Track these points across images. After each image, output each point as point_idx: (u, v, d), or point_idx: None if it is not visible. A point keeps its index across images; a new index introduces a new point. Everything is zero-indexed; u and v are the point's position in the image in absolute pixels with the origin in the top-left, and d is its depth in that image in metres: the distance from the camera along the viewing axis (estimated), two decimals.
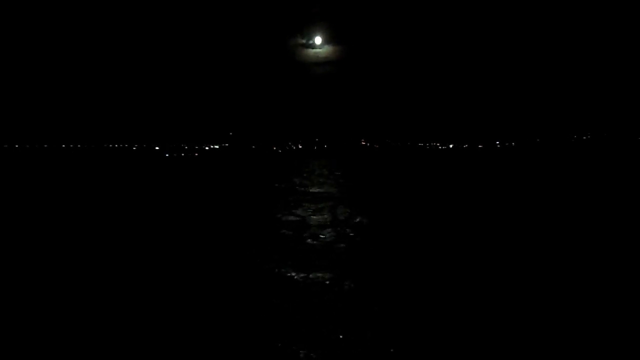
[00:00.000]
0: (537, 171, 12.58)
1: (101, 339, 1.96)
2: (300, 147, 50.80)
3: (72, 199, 7.04)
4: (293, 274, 2.87)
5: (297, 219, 5.01)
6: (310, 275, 2.83)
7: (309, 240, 3.89)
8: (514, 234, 4.05)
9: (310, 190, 8.10)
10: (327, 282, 2.69)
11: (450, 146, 46.87)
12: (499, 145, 44.26)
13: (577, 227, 4.29)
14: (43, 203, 6.53)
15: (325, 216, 5.18)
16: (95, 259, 3.27)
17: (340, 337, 1.95)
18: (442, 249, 3.50)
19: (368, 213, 5.43)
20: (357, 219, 4.97)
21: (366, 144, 48.69)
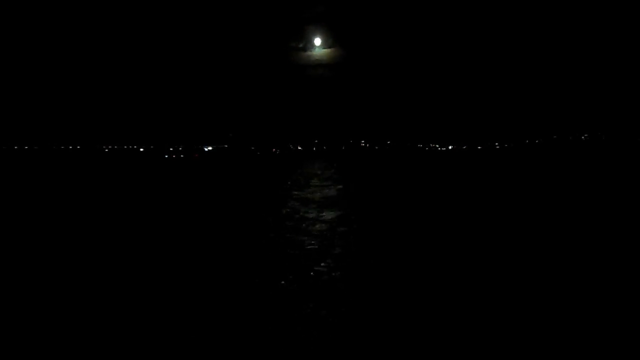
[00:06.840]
0: (536, 172, 12.56)
1: (101, 338, 1.92)
2: (299, 148, 50.77)
3: (72, 202, 7.00)
4: (290, 275, 2.84)
5: (297, 220, 4.97)
6: (308, 278, 2.79)
7: (309, 241, 3.86)
8: (513, 235, 4.02)
9: (311, 192, 8.07)
10: (326, 284, 2.65)
11: (450, 147, 46.90)
12: (498, 147, 44.30)
13: (576, 228, 4.27)
14: (43, 205, 6.49)
15: (326, 218, 5.14)
16: (98, 262, 3.24)
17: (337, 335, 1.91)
18: (443, 251, 3.47)
19: (369, 215, 5.40)
20: (358, 221, 4.94)
21: (366, 145, 48.66)
